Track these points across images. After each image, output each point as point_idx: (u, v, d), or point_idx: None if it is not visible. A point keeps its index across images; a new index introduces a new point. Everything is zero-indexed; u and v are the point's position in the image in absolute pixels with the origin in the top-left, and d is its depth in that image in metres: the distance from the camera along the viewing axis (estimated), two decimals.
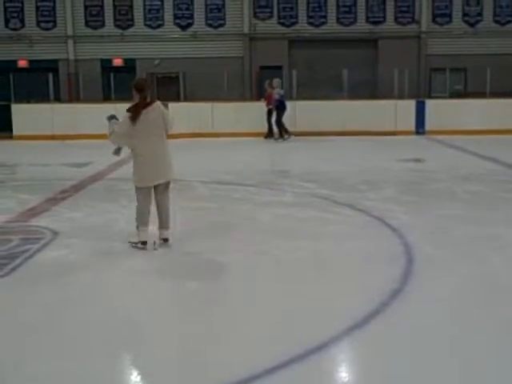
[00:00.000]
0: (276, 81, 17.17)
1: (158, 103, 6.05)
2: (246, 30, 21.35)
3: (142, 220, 5.97)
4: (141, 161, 5.92)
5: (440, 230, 6.75)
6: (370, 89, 20.75)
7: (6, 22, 21.03)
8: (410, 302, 4.60)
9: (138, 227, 6.00)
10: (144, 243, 5.96)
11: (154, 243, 6.00)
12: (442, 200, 8.41)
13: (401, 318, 4.31)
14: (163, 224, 6.10)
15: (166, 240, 6.09)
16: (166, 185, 6.13)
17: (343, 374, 3.62)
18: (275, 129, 17.05)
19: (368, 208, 7.75)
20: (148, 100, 5.92)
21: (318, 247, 6.10)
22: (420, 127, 18.14)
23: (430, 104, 18.40)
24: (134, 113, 5.79)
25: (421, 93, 20.72)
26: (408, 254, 5.74)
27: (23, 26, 21.11)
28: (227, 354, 3.76)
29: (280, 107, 16.85)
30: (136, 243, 6.00)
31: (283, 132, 16.89)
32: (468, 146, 14.87)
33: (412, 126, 18.17)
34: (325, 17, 21.65)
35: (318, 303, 4.62)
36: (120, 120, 5.94)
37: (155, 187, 6.04)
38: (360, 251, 6.02)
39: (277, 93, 16.93)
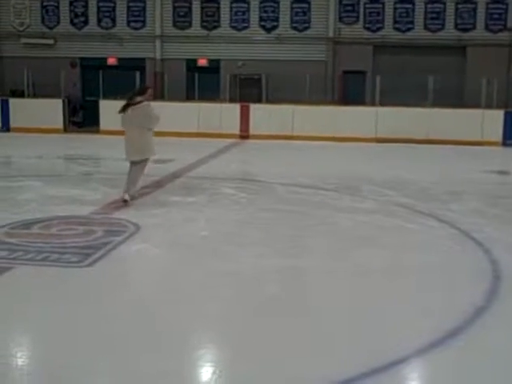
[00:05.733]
0: None
1: (146, 103, 8.35)
2: (330, 34, 21.18)
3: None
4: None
5: None
6: (456, 97, 20.13)
7: (99, 21, 21.76)
8: (495, 322, 4.41)
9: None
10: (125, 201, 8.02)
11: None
12: None
13: (485, 337, 4.14)
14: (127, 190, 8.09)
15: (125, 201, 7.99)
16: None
17: None
18: None
19: (451, 219, 7.51)
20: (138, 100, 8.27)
21: (398, 258, 5.96)
22: (508, 138, 17.44)
23: None
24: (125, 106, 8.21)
25: (510, 103, 19.92)
26: (494, 271, 5.51)
27: (114, 25, 21.78)
28: (302, 363, 3.71)
29: None
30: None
31: None
32: None
33: (499, 137, 17.49)
34: (412, 22, 21.19)
35: (397, 316, 4.50)
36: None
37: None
38: (442, 264, 5.83)
39: None
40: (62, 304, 4.60)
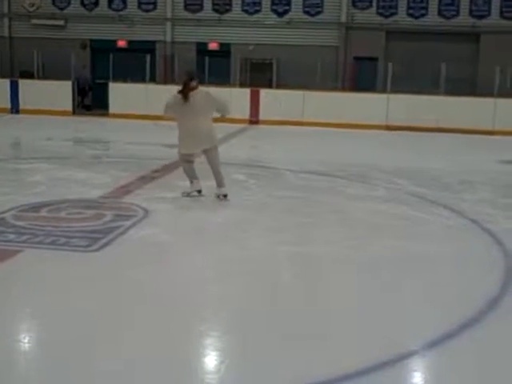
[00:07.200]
0: None
1: (202, 89, 7.70)
2: (343, 19, 20.96)
3: (192, 175, 7.61)
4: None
5: None
6: (469, 85, 19.91)
7: (110, 2, 21.61)
8: (509, 313, 4.35)
9: (191, 181, 7.58)
10: (199, 191, 7.63)
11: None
12: None
13: (498, 329, 4.07)
14: (220, 183, 7.52)
15: (225, 196, 7.51)
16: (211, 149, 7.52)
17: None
18: None
19: (464, 209, 7.43)
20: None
21: (410, 248, 5.88)
22: None
23: None
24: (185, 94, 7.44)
25: None
26: (508, 262, 5.44)
27: (125, 7, 21.63)
28: (314, 354, 3.66)
29: None
30: (189, 193, 7.58)
31: None
32: None
33: None
34: (426, 8, 20.94)
35: (409, 307, 4.45)
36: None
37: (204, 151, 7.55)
38: (455, 255, 5.76)
39: None
40: (70, 288, 4.56)
